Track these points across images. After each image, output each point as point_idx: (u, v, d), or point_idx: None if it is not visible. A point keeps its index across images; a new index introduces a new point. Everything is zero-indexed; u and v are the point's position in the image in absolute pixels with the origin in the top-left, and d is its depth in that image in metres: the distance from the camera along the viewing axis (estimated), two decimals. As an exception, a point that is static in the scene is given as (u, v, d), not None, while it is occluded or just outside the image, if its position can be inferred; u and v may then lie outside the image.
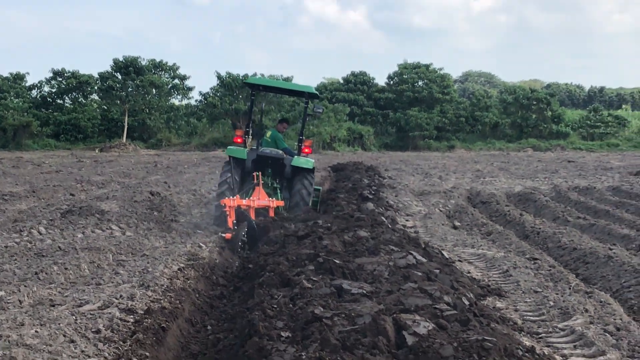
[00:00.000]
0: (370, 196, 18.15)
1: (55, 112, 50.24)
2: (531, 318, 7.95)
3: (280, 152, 14.35)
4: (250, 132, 15.03)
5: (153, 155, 39.54)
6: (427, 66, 55.96)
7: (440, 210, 17.47)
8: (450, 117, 52.97)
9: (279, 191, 14.19)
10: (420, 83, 55.21)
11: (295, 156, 14.30)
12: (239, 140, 14.65)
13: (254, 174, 13.41)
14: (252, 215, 12.51)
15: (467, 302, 7.28)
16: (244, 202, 12.66)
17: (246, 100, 48.33)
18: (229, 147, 14.51)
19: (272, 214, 13.00)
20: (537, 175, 26.81)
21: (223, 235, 12.13)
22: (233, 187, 13.47)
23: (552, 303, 8.32)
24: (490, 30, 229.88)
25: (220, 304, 8.94)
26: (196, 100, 54.20)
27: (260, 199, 13.00)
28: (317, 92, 15.31)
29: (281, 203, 13.49)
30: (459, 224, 15.33)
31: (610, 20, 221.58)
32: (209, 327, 7.92)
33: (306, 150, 14.65)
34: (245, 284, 9.40)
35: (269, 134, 14.95)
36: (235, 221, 12.22)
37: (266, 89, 16.24)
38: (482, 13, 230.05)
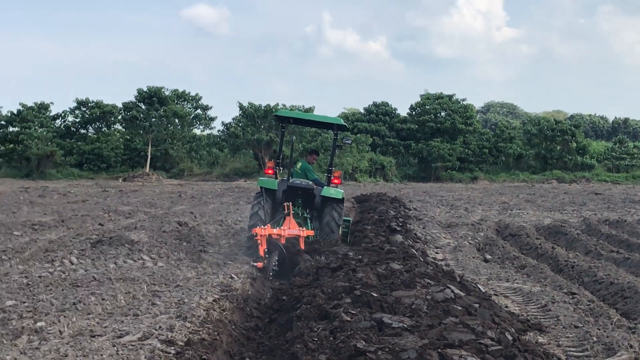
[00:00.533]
0: (398, 228, 18.08)
1: (79, 141, 50.82)
2: (575, 354, 7.81)
3: (311, 182, 14.54)
4: (281, 163, 15.33)
5: (176, 185, 39.75)
6: (449, 97, 56.01)
7: (470, 243, 17.33)
8: (473, 148, 52.84)
9: (309, 221, 14.36)
10: (442, 114, 55.23)
11: (325, 187, 14.46)
12: (270, 171, 14.97)
13: (285, 204, 13.56)
14: (283, 242, 12.72)
15: (510, 337, 7.17)
16: (275, 231, 12.79)
17: (267, 131, 48.61)
18: (260, 178, 14.82)
19: (302, 243, 13.10)
20: (564, 208, 26.58)
21: (255, 264, 12.31)
22: (264, 217, 13.65)
23: (595, 338, 8.17)
24: (512, 60, 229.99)
25: (257, 336, 8.88)
26: (218, 131, 54.61)
27: (290, 228, 13.12)
28: (345, 124, 15.59)
29: (311, 233, 13.59)
30: (490, 257, 15.19)
31: (633, 50, 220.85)
32: (247, 360, 7.86)
33: (336, 180, 14.80)
34: (280, 316, 9.34)
35: (299, 165, 15.22)
36: (266, 250, 12.40)
37: (296, 121, 16.59)
38: (504, 43, 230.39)
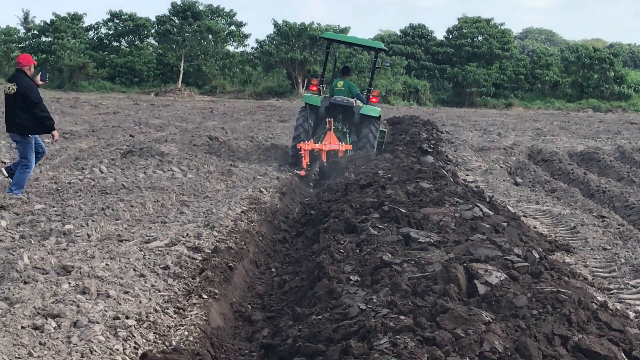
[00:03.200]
0: (430, 150, 17.91)
1: (112, 54, 50.36)
2: (601, 274, 7.75)
3: (351, 100, 15.55)
4: (324, 81, 16.67)
5: (208, 102, 39.59)
6: (487, 21, 54.57)
7: (501, 167, 17.14)
8: (509, 74, 51.75)
9: (347, 136, 15.43)
10: (479, 38, 53.91)
11: (364, 105, 15.59)
12: (314, 88, 16.41)
13: (327, 120, 14.75)
14: (324, 157, 14.20)
15: (537, 255, 7.10)
16: (317, 146, 14.21)
17: (302, 50, 47.93)
18: (304, 94, 16.63)
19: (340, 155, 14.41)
20: (599, 136, 26.07)
21: (298, 172, 13.82)
22: (307, 131, 15.00)
23: (622, 260, 8.09)
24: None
25: (283, 248, 8.93)
26: (252, 48, 53.77)
27: (331, 143, 14.38)
28: (386, 48, 17.32)
29: (349, 147, 14.77)
30: (521, 180, 15.02)
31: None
32: (273, 270, 7.92)
33: (374, 99, 16.06)
34: (308, 230, 9.36)
35: (341, 82, 16.15)
36: (308, 162, 13.96)
37: (341, 42, 18.50)
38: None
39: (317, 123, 15.48)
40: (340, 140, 14.78)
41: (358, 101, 15.65)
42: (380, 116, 15.67)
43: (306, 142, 14.12)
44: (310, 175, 13.75)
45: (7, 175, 10.11)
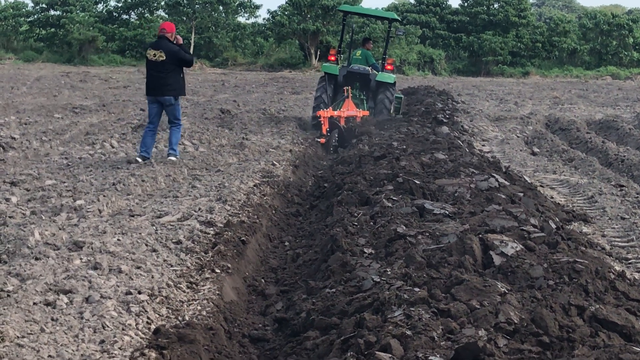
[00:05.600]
0: (445, 120, 17.70)
1: (121, 27, 49.88)
2: (619, 244, 7.62)
3: (368, 68, 16.48)
4: (342, 51, 17.60)
5: (219, 74, 39.34)
6: (503, -12, 53.78)
7: (518, 136, 16.93)
8: (526, 42, 51.03)
9: (364, 102, 16.31)
10: (495, 5, 53.11)
11: (380, 72, 16.49)
12: (332, 58, 17.05)
13: (345, 88, 15.46)
14: (342, 123, 14.78)
15: (554, 226, 7.00)
16: (336, 113, 14.88)
17: (314, 20, 47.41)
18: (323, 64, 17.31)
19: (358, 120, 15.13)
20: (617, 104, 25.68)
21: (318, 140, 14.41)
22: (327, 100, 15.86)
23: (641, 230, 7.95)
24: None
25: (297, 222, 8.86)
26: (263, 19, 53.22)
27: (349, 109, 15.09)
28: (399, 18, 18.31)
29: (366, 113, 15.49)
30: (538, 150, 14.82)
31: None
32: (286, 243, 7.85)
33: (389, 67, 16.96)
34: (321, 203, 9.29)
35: (359, 52, 17.04)
36: (328, 129, 14.49)
37: (356, 14, 20.01)
38: None
39: (335, 91, 16.36)
40: (358, 107, 15.52)
41: (374, 70, 16.45)
42: (395, 82, 16.51)
43: (325, 110, 14.84)
44: (330, 142, 14.31)
45: (143, 161, 10.55)
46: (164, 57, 10.53)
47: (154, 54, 10.59)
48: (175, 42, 10.82)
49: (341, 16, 18.19)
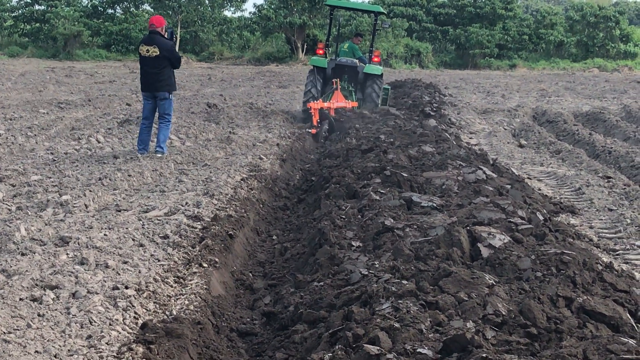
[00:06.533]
0: (432, 113, 17.73)
1: (107, 22, 49.50)
2: (607, 235, 7.65)
3: (355, 60, 16.90)
4: (329, 45, 18.09)
5: (206, 69, 39.16)
6: (490, -20, 53.79)
7: (505, 129, 16.97)
8: (513, 35, 51.11)
9: (353, 94, 16.72)
10: (482, -2, 53.24)
11: (367, 64, 16.86)
12: (320, 51, 17.52)
13: (333, 80, 15.97)
14: (332, 114, 15.16)
15: (541, 217, 7.01)
16: (325, 104, 15.23)
17: (300, 14, 47.31)
18: (312, 57, 17.64)
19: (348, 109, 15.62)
20: (604, 96, 25.79)
21: (309, 131, 14.75)
22: (317, 92, 16.33)
23: (628, 221, 7.98)
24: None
25: (284, 215, 8.84)
26: (250, 13, 53.02)
27: (338, 101, 15.54)
28: (385, 11, 18.87)
29: (355, 104, 15.91)
30: (525, 142, 14.87)
31: None
32: (274, 237, 7.83)
33: (375, 59, 17.26)
34: (309, 196, 9.27)
35: (346, 45, 17.53)
36: (319, 120, 14.86)
37: (343, 8, 19.26)
38: None
39: (324, 83, 16.81)
40: (347, 99, 16.00)
41: (361, 62, 16.91)
42: (382, 74, 16.98)
43: (315, 101, 15.21)
44: (321, 133, 14.67)
45: (162, 154, 10.63)
46: (158, 52, 10.47)
47: (147, 50, 10.52)
48: (175, 38, 10.86)
49: (328, 10, 18.54)
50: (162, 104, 10.89)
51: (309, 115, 15.38)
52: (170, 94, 10.89)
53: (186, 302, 5.25)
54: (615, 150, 12.77)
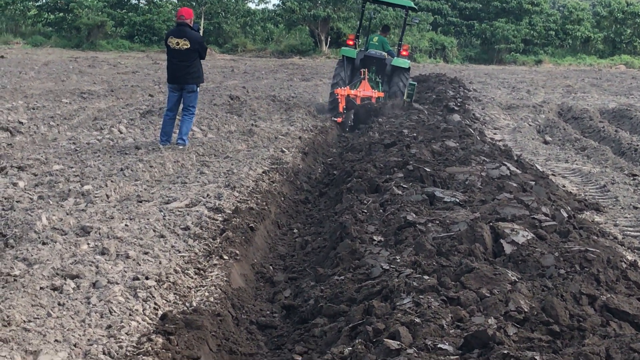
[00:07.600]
0: (456, 108, 17.63)
1: (130, 12, 49.60)
2: (632, 233, 7.54)
3: (384, 53, 17.29)
4: (360, 36, 18.67)
5: (229, 60, 39.21)
6: (517, -25, 53.29)
7: (530, 125, 16.81)
8: (539, 30, 50.63)
9: (380, 85, 17.15)
10: (509, -8, 52.72)
11: (395, 57, 17.27)
12: (350, 42, 18.02)
13: (361, 70, 16.49)
14: (358, 101, 15.66)
15: (565, 214, 6.92)
16: (353, 92, 15.77)
17: (325, 6, 47.17)
18: (342, 47, 18.10)
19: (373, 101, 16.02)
20: (631, 92, 25.45)
21: (335, 119, 15.32)
22: (345, 79, 16.60)
23: (655, 220, 7.86)
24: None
25: (306, 209, 8.81)
26: (274, 5, 52.88)
27: (365, 90, 15.99)
28: (415, 6, 18.73)
29: (381, 94, 16.42)
30: (550, 138, 14.71)
31: None
32: (295, 230, 7.81)
33: (404, 53, 17.80)
34: (331, 190, 9.24)
35: (375, 38, 17.89)
36: (345, 107, 15.34)
37: (373, 1, 19.94)
38: None
39: (352, 73, 17.14)
40: (374, 89, 16.43)
41: (389, 55, 17.31)
42: (409, 68, 17.26)
43: (343, 88, 15.66)
44: (347, 121, 14.98)
45: (183, 146, 10.68)
46: (189, 45, 10.43)
47: (177, 42, 10.47)
48: (198, 30, 10.87)
49: (354, 2, 18.92)
50: (188, 96, 10.88)
51: (335, 106, 15.84)
52: (197, 86, 10.89)
53: (206, 293, 5.24)
54: (641, 148, 12.60)
